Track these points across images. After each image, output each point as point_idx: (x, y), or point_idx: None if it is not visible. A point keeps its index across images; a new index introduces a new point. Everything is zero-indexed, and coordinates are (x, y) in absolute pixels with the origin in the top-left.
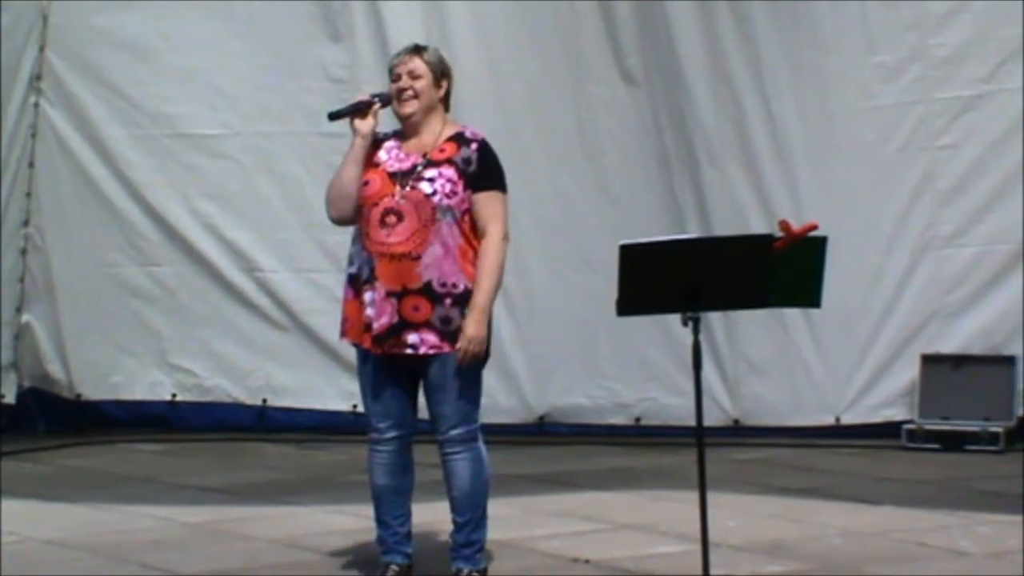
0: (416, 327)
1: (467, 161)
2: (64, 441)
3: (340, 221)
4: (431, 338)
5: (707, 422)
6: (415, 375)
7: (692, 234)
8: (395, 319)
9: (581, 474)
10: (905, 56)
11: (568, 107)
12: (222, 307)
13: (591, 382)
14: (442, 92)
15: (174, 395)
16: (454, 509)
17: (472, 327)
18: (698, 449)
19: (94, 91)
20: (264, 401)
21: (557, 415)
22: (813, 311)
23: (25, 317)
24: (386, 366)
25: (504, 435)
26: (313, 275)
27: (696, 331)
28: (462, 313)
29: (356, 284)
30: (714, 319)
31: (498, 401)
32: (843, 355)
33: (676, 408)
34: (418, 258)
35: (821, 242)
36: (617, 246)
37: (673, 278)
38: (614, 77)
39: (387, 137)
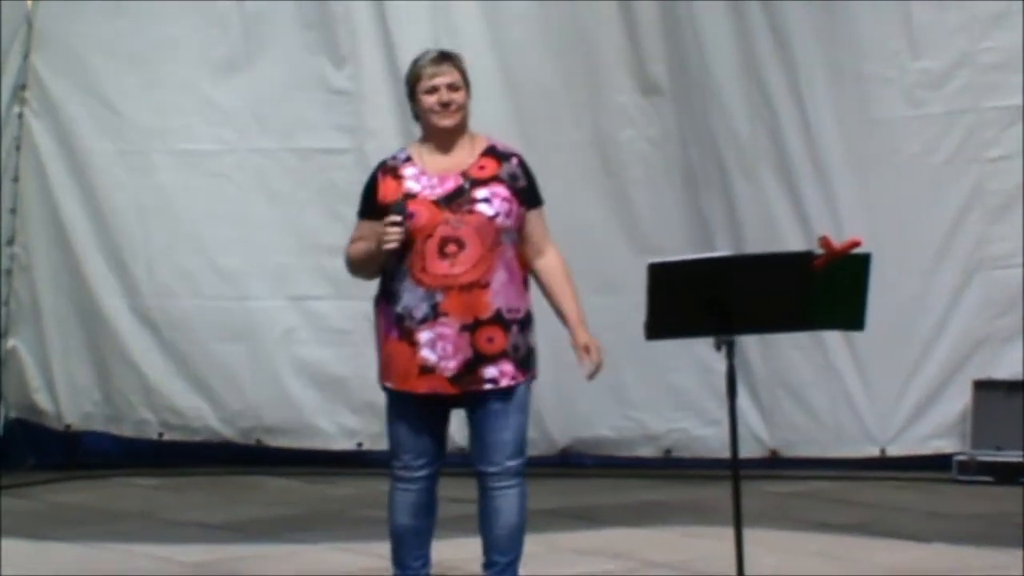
0: (493, 359)
1: (513, 176)
2: (55, 476)
3: (362, 279)
4: (509, 368)
5: (742, 453)
6: (454, 407)
7: (724, 252)
8: (470, 354)
9: (608, 509)
10: (952, 61)
11: (587, 117)
12: (211, 339)
13: (616, 412)
14: (470, 103)
15: (160, 434)
16: (496, 548)
17: (592, 340)
18: (733, 482)
19: (81, 102)
20: (257, 442)
21: (581, 447)
22: (856, 334)
23: (11, 342)
24: (428, 403)
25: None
26: (311, 303)
27: (730, 356)
28: (526, 339)
29: (403, 324)
30: (749, 343)
31: None
32: (889, 381)
33: (709, 439)
34: (487, 286)
35: (864, 260)
36: (641, 266)
37: (705, 299)
38: (636, 84)
39: (401, 163)
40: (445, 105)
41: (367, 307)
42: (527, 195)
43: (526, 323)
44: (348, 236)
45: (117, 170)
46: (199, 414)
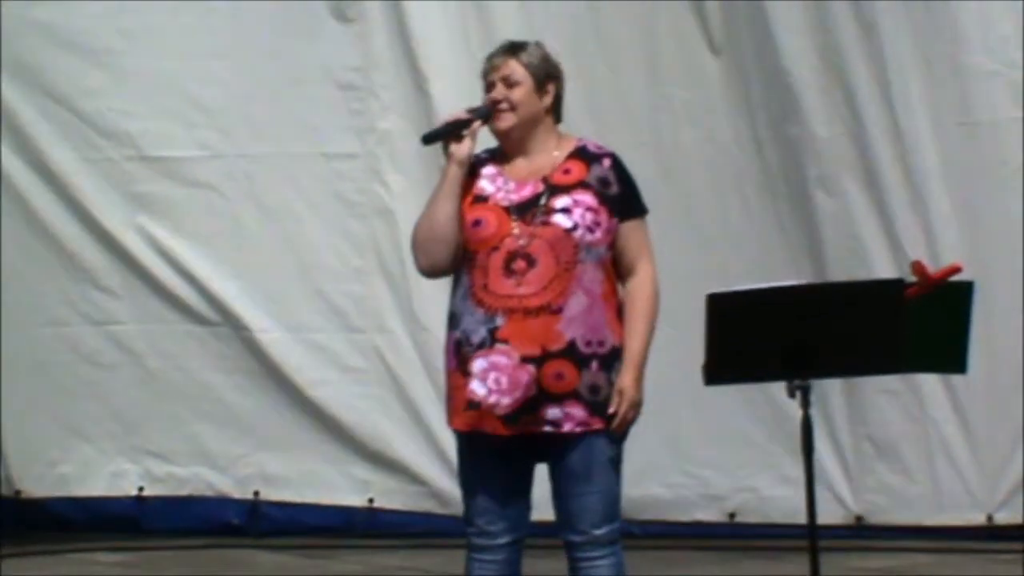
0: (559, 399)
1: (604, 182)
2: (2, 551)
3: (433, 271)
4: (578, 412)
5: (822, 519)
6: (537, 460)
7: (800, 279)
8: (532, 391)
9: None
10: None
11: (642, 116)
12: (201, 375)
13: (672, 466)
14: (548, 100)
15: (141, 488)
16: None
17: (632, 386)
18: (811, 554)
19: (38, 103)
20: (256, 494)
21: (629, 509)
22: (956, 378)
23: None
24: (504, 450)
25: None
26: (315, 336)
27: (806, 404)
28: (610, 379)
29: (461, 350)
30: (830, 388)
31: None
32: (996, 435)
33: (782, 501)
34: (559, 311)
35: (966, 289)
36: (703, 293)
37: (777, 336)
38: (700, 78)
39: (483, 160)
40: (495, 102)
41: (379, 341)
42: (621, 203)
43: (612, 360)
44: (356, 256)
45: (83, 181)
46: (189, 461)
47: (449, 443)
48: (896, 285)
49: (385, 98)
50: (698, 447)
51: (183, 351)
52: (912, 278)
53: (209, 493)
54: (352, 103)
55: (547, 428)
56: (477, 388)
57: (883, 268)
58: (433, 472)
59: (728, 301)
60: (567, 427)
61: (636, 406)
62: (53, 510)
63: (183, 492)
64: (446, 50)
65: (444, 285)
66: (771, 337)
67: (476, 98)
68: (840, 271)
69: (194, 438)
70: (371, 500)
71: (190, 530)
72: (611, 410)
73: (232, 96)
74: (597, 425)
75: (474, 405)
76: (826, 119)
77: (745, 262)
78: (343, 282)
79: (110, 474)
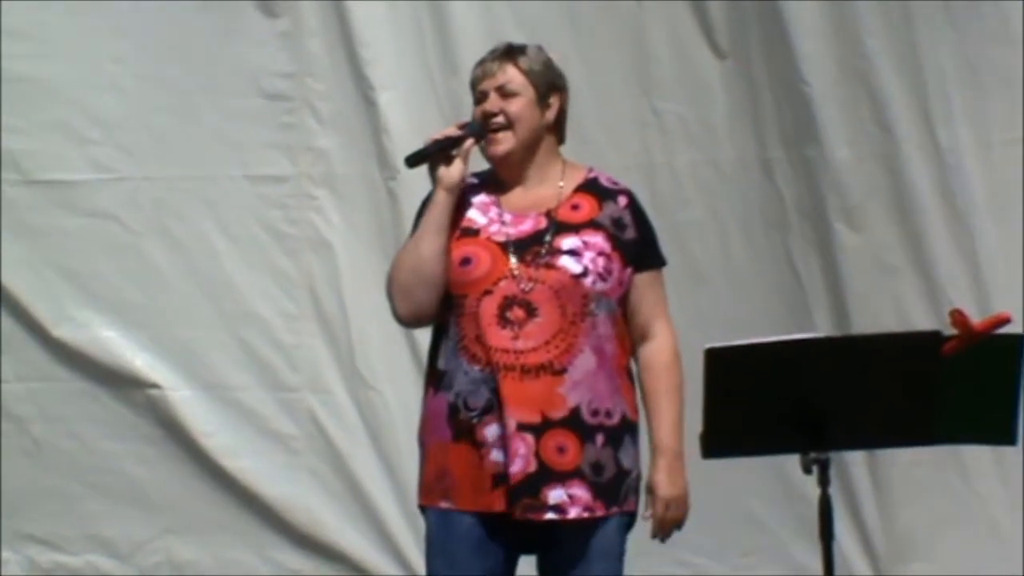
0: (562, 478)
1: (618, 224)
2: None
3: (415, 320)
4: (582, 494)
5: None
6: (527, 547)
7: (818, 331)
8: (532, 467)
9: None
10: None
11: (630, 134)
12: (98, 443)
13: (662, 553)
14: (551, 115)
15: None
16: None
17: (667, 482)
18: None
19: None
20: None
21: None
22: (1006, 449)
23: None
24: (487, 534)
25: None
26: (236, 395)
27: (825, 481)
28: (616, 457)
29: (458, 417)
30: (854, 460)
31: None
32: None
33: None
34: (562, 371)
35: (1016, 343)
36: (702, 350)
37: (789, 400)
38: (699, 89)
39: (473, 186)
40: (489, 116)
41: (314, 402)
42: (638, 252)
43: (621, 434)
44: (287, 299)
45: None
46: (82, 547)
47: (396, 524)
48: (932, 338)
49: (322, 110)
50: (693, 530)
51: (76, 414)
52: (951, 330)
53: None
54: (282, 116)
55: (550, 515)
56: (497, 458)
57: (918, 317)
58: (376, 559)
59: (730, 357)
60: (572, 513)
61: (677, 503)
62: None
63: None
64: (396, 53)
65: (393, 336)
66: (782, 401)
67: (430, 110)
68: (865, 321)
69: (88, 519)
70: None
71: None
72: (646, 515)
73: (136, 108)
74: (600, 512)
75: (504, 478)
76: (850, 138)
77: (751, 309)
78: (271, 330)
79: None
